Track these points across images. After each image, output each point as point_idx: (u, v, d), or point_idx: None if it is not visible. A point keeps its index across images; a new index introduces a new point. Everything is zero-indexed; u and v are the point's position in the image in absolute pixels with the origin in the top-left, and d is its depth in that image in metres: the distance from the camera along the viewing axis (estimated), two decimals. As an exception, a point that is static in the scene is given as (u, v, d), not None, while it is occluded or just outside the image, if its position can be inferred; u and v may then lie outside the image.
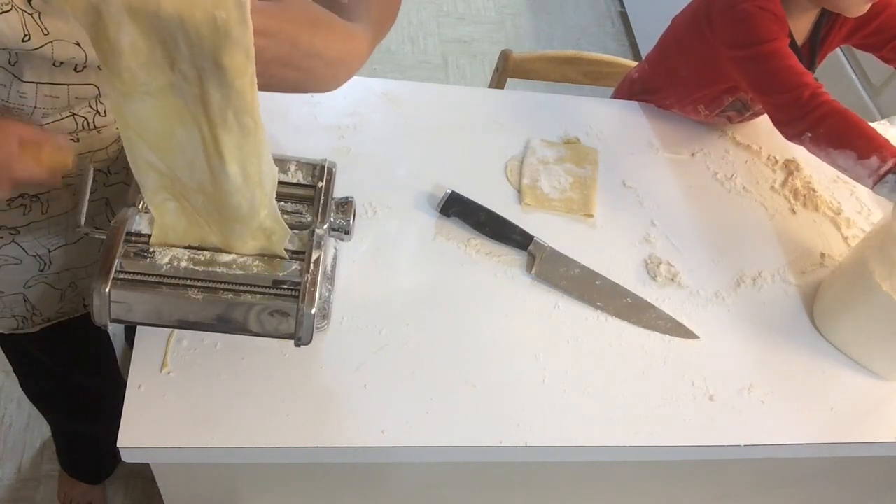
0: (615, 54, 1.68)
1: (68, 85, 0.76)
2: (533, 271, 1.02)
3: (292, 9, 0.63)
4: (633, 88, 1.37)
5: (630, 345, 0.98)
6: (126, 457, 0.79)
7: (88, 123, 0.83)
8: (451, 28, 2.84)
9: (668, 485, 1.16)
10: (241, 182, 0.66)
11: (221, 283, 0.73)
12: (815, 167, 1.27)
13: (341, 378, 0.87)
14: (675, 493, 1.19)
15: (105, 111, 0.84)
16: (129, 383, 0.82)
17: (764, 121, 1.25)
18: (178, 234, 0.74)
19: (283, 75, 0.65)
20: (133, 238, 0.74)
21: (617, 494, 1.17)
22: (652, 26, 2.59)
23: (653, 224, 1.13)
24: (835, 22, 1.18)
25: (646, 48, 2.17)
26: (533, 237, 1.04)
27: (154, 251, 0.73)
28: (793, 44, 1.13)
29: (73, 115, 0.81)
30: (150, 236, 0.74)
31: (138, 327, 0.85)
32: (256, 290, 0.73)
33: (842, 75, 2.00)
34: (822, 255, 1.15)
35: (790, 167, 1.27)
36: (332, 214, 0.81)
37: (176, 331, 0.86)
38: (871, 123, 1.06)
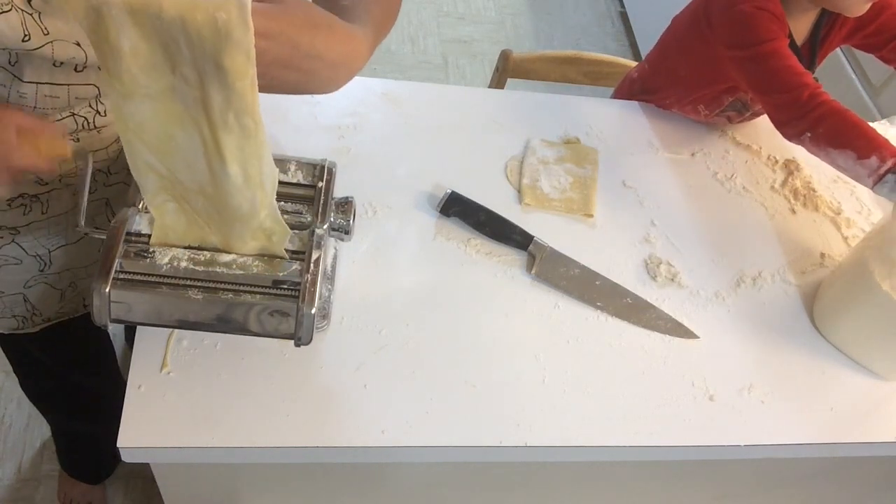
0: (615, 54, 1.68)
1: (68, 85, 0.76)
2: (533, 271, 1.02)
3: (293, 11, 0.63)
4: (633, 88, 1.37)
5: (630, 345, 0.98)
6: (126, 457, 0.79)
7: (88, 123, 0.83)
8: (451, 28, 2.84)
9: (668, 485, 1.16)
10: (242, 183, 0.66)
11: (221, 283, 0.73)
12: (815, 167, 1.27)
13: (341, 378, 0.87)
14: (675, 493, 1.19)
15: (105, 111, 0.84)
16: (129, 383, 0.82)
17: (764, 121, 1.25)
18: (178, 234, 0.74)
19: (283, 77, 0.65)
20: (133, 238, 0.74)
21: (617, 494, 1.17)
22: (652, 26, 2.59)
23: (653, 224, 1.13)
24: (835, 22, 1.18)
25: (646, 48, 2.17)
26: (533, 237, 1.04)
27: (154, 251, 0.73)
28: (792, 44, 1.13)
29: (74, 115, 0.81)
30: (150, 236, 0.74)
31: (138, 327, 0.85)
32: (256, 290, 0.73)
33: (842, 75, 2.00)
34: (822, 255, 1.15)
35: (790, 167, 1.27)
36: (332, 214, 0.81)
37: (176, 331, 0.86)
38: (871, 123, 1.06)
